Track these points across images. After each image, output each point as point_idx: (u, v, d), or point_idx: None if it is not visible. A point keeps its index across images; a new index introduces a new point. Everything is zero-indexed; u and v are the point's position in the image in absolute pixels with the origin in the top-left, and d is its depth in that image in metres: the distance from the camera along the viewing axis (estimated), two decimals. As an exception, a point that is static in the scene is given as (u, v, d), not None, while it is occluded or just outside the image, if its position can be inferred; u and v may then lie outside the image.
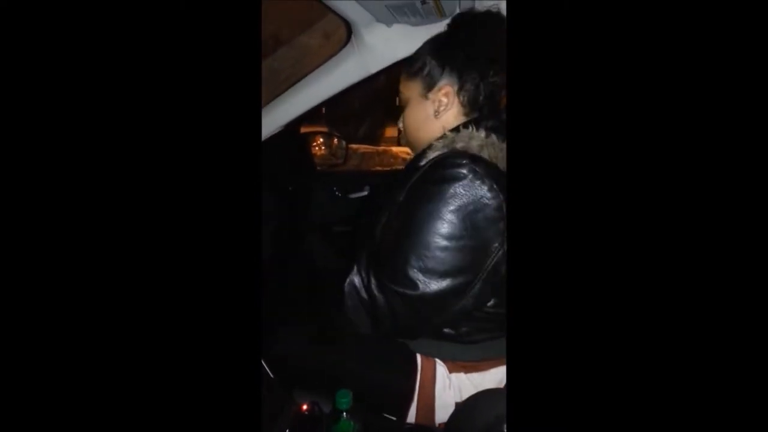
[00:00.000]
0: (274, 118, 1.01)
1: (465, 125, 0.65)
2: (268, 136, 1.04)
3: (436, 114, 0.70)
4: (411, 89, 0.72)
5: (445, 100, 0.70)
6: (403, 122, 0.76)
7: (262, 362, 0.72)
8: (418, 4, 0.75)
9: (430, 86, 0.70)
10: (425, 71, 0.70)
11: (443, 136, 0.66)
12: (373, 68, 0.93)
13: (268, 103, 1.00)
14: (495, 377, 0.70)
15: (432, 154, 0.64)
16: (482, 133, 0.63)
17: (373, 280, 0.61)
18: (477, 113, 0.69)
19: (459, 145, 0.62)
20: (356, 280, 0.63)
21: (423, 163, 0.64)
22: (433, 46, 0.71)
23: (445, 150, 0.63)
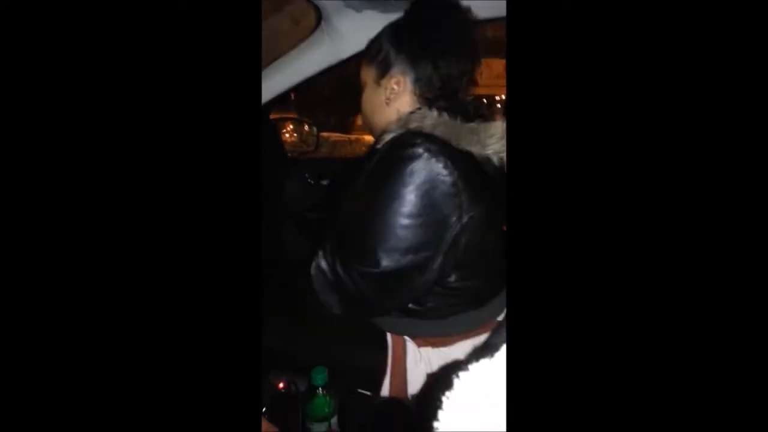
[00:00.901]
0: (243, 104, 1.00)
1: (419, 108, 0.67)
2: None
3: (387, 101, 0.71)
4: (367, 74, 0.74)
5: (396, 88, 0.70)
6: (361, 106, 0.77)
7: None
8: (387, -10, 0.76)
9: (383, 73, 0.71)
10: (380, 57, 0.71)
11: (398, 119, 0.67)
12: (344, 54, 0.93)
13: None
14: (463, 349, 0.73)
15: (388, 137, 0.65)
16: (434, 113, 0.64)
17: (338, 262, 0.63)
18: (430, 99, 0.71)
19: (413, 126, 0.64)
20: (322, 263, 0.65)
21: (380, 146, 0.66)
22: (390, 31, 0.71)
23: (400, 131, 0.65)
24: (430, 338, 0.73)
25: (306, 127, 1.50)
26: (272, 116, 1.36)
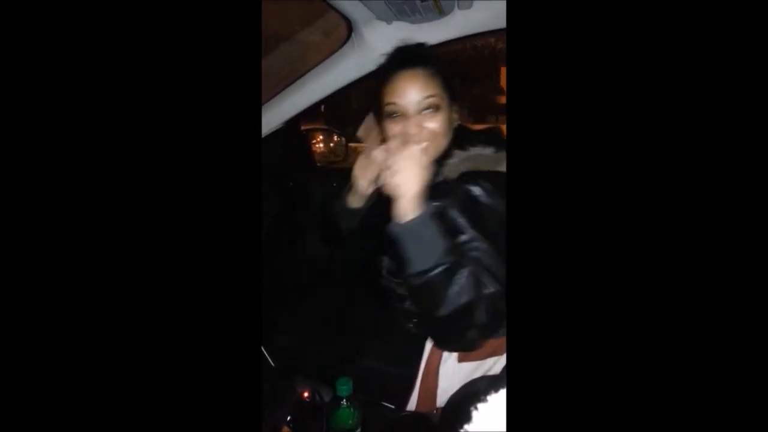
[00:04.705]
0: (274, 115, 1.02)
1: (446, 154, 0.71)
2: (269, 132, 1.05)
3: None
4: (444, 121, 0.72)
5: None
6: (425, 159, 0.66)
7: (263, 351, 0.73)
8: (418, 2, 0.76)
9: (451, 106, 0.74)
10: (436, 101, 0.72)
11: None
12: (374, 66, 0.94)
13: (268, 100, 1.01)
14: (496, 367, 0.72)
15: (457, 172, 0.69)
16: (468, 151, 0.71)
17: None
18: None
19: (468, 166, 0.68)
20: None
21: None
22: (439, 79, 0.73)
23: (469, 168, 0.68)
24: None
25: (335, 138, 1.53)
26: (303, 127, 1.39)
